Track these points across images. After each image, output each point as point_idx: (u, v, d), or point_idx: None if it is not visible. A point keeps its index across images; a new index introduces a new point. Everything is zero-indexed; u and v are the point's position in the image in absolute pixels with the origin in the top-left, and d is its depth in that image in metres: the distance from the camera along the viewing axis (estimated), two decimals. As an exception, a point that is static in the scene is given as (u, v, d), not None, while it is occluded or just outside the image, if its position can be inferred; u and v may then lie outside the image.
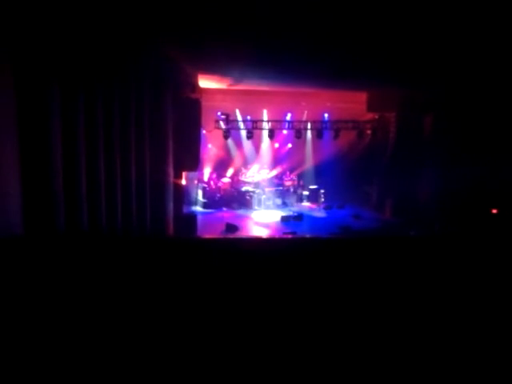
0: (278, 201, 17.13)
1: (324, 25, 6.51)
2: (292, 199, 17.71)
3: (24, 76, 6.65)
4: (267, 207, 16.50)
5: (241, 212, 16.01)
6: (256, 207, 16.52)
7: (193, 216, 12.63)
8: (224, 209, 16.29)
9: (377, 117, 16.13)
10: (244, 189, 16.78)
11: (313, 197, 17.30)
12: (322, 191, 16.33)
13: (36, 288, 3.26)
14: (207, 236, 11.76)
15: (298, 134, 15.96)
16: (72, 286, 3.28)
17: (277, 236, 12.06)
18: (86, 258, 3.66)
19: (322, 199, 16.46)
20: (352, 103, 15.98)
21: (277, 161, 18.46)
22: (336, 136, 15.81)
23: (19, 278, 3.35)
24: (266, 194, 16.74)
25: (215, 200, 16.50)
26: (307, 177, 18.60)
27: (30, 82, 6.75)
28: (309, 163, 18.69)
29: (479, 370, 2.59)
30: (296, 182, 18.25)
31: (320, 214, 15.94)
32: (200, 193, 16.55)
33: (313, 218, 15.38)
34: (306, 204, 17.58)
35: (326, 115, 16.85)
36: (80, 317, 2.94)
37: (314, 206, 17.09)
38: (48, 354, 2.59)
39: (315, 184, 18.08)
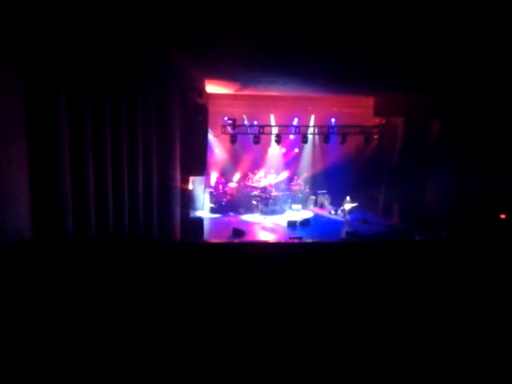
0: (287, 205, 17.13)
1: (331, 30, 6.52)
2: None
3: (32, 80, 6.72)
4: (275, 212, 16.49)
5: (246, 217, 16.02)
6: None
7: (199, 221, 12.64)
8: (231, 213, 16.30)
9: (384, 122, 16.08)
10: (254, 193, 16.77)
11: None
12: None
13: (45, 292, 3.28)
14: (214, 241, 11.77)
15: (305, 138, 15.96)
16: (80, 289, 3.30)
17: (283, 241, 12.05)
18: (93, 263, 3.68)
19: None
20: (359, 108, 15.96)
21: (284, 165, 18.46)
22: (343, 141, 15.78)
23: (28, 283, 3.38)
24: (273, 198, 16.71)
25: (222, 205, 16.52)
26: (314, 181, 18.58)
27: (38, 86, 6.82)
28: (316, 168, 18.66)
29: (489, 372, 2.57)
30: (303, 187, 18.24)
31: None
32: (207, 197, 16.57)
33: (320, 223, 15.34)
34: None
35: (332, 120, 16.85)
36: (88, 320, 2.95)
37: (325, 210, 17.14)
38: (57, 357, 2.60)
39: (322, 189, 18.09)
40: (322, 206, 17.75)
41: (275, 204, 16.71)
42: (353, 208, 15.49)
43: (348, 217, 15.46)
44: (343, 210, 15.69)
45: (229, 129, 15.13)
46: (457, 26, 6.21)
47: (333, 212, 16.64)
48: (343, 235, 13.30)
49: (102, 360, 2.61)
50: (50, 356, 2.62)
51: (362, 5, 5.38)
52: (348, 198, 15.47)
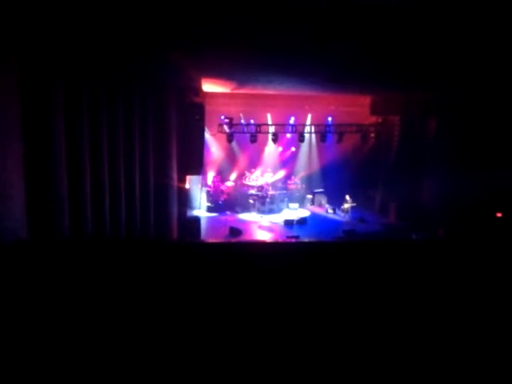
0: (284, 204, 17.13)
1: (328, 30, 6.52)
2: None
3: (29, 80, 6.69)
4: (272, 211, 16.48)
5: (243, 216, 16.01)
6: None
7: (196, 220, 12.64)
8: (228, 212, 16.29)
9: (380, 120, 16.11)
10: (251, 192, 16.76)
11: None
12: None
13: (42, 291, 3.27)
14: (210, 240, 11.77)
15: (302, 137, 15.97)
16: (76, 289, 3.29)
17: (280, 240, 12.05)
18: (90, 262, 3.67)
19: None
20: (356, 107, 15.98)
21: (280, 164, 18.47)
22: (340, 139, 15.79)
23: (25, 282, 3.36)
24: (270, 197, 16.70)
25: (219, 204, 16.51)
26: (311, 180, 18.61)
27: (34, 86, 6.79)
28: (313, 167, 18.68)
29: (486, 370, 2.58)
30: (300, 186, 18.25)
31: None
32: (204, 196, 16.56)
33: (317, 222, 15.36)
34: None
35: (329, 119, 16.85)
36: (84, 320, 2.94)
37: (321, 209, 17.14)
38: (54, 356, 2.59)
39: (319, 187, 18.12)
40: (319, 205, 17.77)
41: (272, 203, 16.71)
42: (350, 207, 15.52)
43: (347, 216, 15.47)
44: (343, 210, 15.70)
45: (225, 127, 15.12)
46: (454, 25, 6.21)
47: (330, 211, 16.64)
48: (340, 234, 13.31)
49: (99, 359, 2.61)
50: (47, 355, 2.61)
51: (361, 3, 5.36)
52: (348, 197, 15.48)
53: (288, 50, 7.91)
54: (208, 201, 16.59)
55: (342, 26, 6.37)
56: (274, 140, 15.67)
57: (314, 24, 6.29)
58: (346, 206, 15.45)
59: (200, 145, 12.01)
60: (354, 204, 15.47)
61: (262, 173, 17.82)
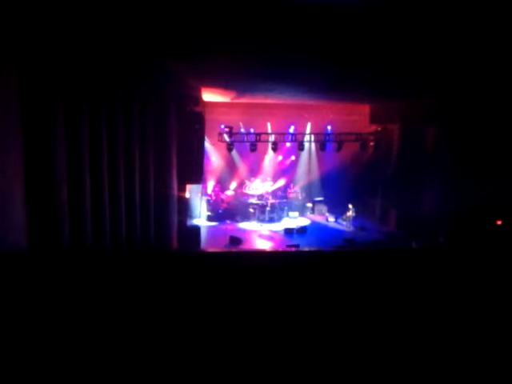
0: (284, 213, 17.12)
1: (326, 39, 6.56)
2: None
3: (28, 89, 6.71)
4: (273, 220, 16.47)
5: (243, 225, 15.99)
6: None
7: (196, 229, 12.63)
8: (228, 221, 16.29)
9: (380, 129, 16.15)
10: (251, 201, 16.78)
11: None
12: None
13: (41, 304, 3.26)
14: (210, 250, 11.74)
15: (302, 146, 16.01)
16: (76, 301, 3.27)
17: (280, 249, 12.02)
18: (89, 273, 3.66)
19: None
20: (355, 115, 16.06)
21: (280, 173, 18.49)
22: (339, 148, 15.83)
23: (24, 294, 3.35)
24: (270, 206, 16.70)
25: (219, 213, 16.51)
26: (311, 189, 18.63)
27: (34, 95, 6.80)
28: (312, 175, 18.71)
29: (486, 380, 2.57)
30: (299, 195, 18.26)
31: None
32: (204, 205, 16.56)
33: (317, 231, 15.35)
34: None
35: (329, 127, 16.91)
36: (84, 333, 2.93)
37: (324, 218, 17.13)
38: (51, 371, 2.58)
39: (319, 196, 18.14)
40: (319, 214, 17.76)
41: (272, 212, 16.70)
42: (351, 216, 15.54)
43: (349, 225, 15.47)
44: (345, 218, 15.72)
45: (225, 137, 15.17)
46: (454, 31, 6.25)
47: (330, 219, 16.64)
48: (340, 242, 13.30)
49: (99, 372, 2.59)
50: (46, 368, 2.60)
51: (360, 6, 5.37)
52: (350, 206, 15.50)
53: (286, 59, 7.96)
54: (208, 210, 16.59)
55: (339, 31, 6.40)
56: (274, 149, 15.71)
57: (312, 32, 6.33)
58: (349, 214, 15.47)
59: (200, 154, 12.04)
60: (354, 214, 15.50)
61: (262, 181, 17.84)
